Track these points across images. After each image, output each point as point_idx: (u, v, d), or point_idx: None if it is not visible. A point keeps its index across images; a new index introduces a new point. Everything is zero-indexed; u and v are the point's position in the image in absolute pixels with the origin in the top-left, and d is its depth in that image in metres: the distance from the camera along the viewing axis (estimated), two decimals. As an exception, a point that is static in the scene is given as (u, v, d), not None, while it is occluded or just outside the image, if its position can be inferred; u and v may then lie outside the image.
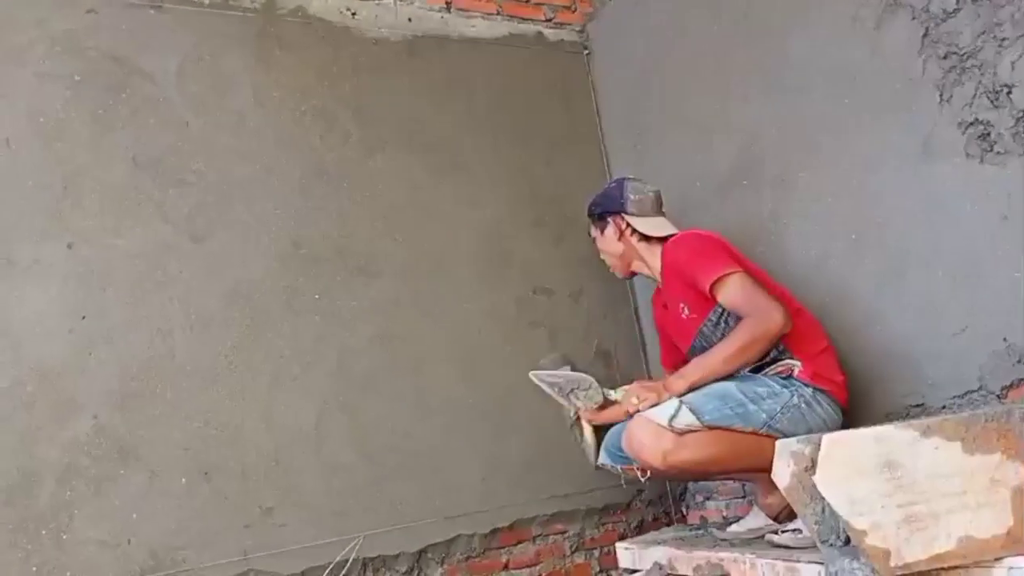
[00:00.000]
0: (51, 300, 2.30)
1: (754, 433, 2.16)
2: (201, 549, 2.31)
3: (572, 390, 2.31)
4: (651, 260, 2.54)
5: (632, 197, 2.54)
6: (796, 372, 2.23)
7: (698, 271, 2.28)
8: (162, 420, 2.35)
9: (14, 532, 2.12)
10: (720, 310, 2.30)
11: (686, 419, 2.12)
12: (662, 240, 2.49)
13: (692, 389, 2.20)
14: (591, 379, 2.34)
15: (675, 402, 2.16)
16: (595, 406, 2.39)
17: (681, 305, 2.42)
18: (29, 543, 2.13)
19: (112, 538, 2.22)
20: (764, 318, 2.16)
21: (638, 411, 2.20)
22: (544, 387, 2.34)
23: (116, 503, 2.25)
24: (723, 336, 2.29)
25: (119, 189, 2.45)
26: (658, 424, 2.13)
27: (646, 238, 2.52)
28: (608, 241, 2.62)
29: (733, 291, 2.22)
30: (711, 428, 2.14)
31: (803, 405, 2.19)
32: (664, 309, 2.57)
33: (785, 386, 2.21)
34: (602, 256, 2.71)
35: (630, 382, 2.43)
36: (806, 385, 2.21)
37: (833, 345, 2.32)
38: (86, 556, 2.18)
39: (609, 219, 2.58)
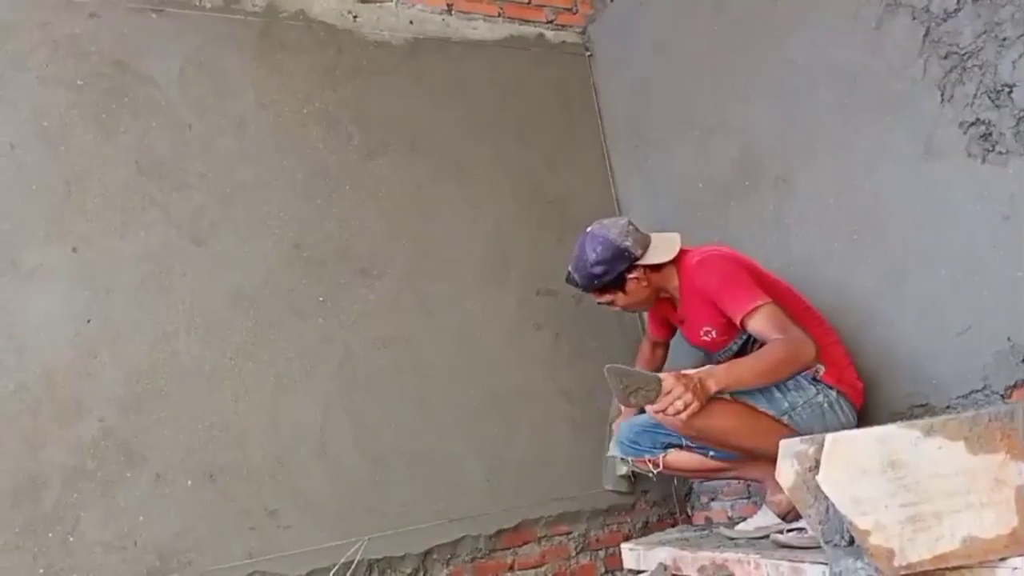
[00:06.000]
0: (56, 304, 2.31)
1: (773, 418, 2.20)
2: (207, 551, 2.32)
3: (637, 388, 2.18)
4: (669, 282, 2.47)
5: (628, 243, 2.41)
6: (821, 374, 2.25)
7: (729, 303, 2.24)
8: (167, 422, 2.36)
9: (21, 534, 2.13)
10: (747, 336, 2.29)
11: None
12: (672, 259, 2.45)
13: (720, 392, 2.11)
14: (658, 379, 2.17)
15: None
16: (647, 404, 2.23)
17: (706, 328, 2.39)
18: (36, 545, 2.14)
19: (118, 540, 2.23)
20: (801, 344, 2.12)
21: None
22: (615, 380, 2.17)
23: (122, 505, 2.26)
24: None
25: (122, 192, 2.46)
26: None
27: (659, 267, 2.45)
28: (633, 294, 2.48)
29: (764, 322, 2.17)
30: (735, 401, 2.15)
31: (825, 405, 2.23)
32: (682, 323, 2.54)
33: (812, 384, 2.24)
34: (625, 310, 2.62)
35: None
36: (830, 388, 2.25)
37: (850, 354, 2.34)
38: (93, 558, 2.19)
39: (627, 276, 2.44)
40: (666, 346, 2.87)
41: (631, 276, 2.44)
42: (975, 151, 2.09)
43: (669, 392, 2.02)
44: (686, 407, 2.00)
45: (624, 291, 2.48)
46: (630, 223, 2.47)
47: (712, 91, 2.90)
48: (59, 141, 2.41)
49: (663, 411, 2.03)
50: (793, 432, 2.10)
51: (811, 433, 1.77)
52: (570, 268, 2.53)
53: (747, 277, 2.27)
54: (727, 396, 2.14)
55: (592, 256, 2.43)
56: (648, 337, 2.88)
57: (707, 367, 2.13)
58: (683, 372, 2.08)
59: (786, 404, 2.22)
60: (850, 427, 2.22)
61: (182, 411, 2.38)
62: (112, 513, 2.24)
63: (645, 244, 2.44)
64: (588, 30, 3.51)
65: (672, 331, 2.77)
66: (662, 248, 2.45)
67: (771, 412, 2.21)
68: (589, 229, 2.49)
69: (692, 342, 2.51)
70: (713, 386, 2.07)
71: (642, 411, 2.23)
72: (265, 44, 2.80)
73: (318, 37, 2.91)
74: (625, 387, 2.11)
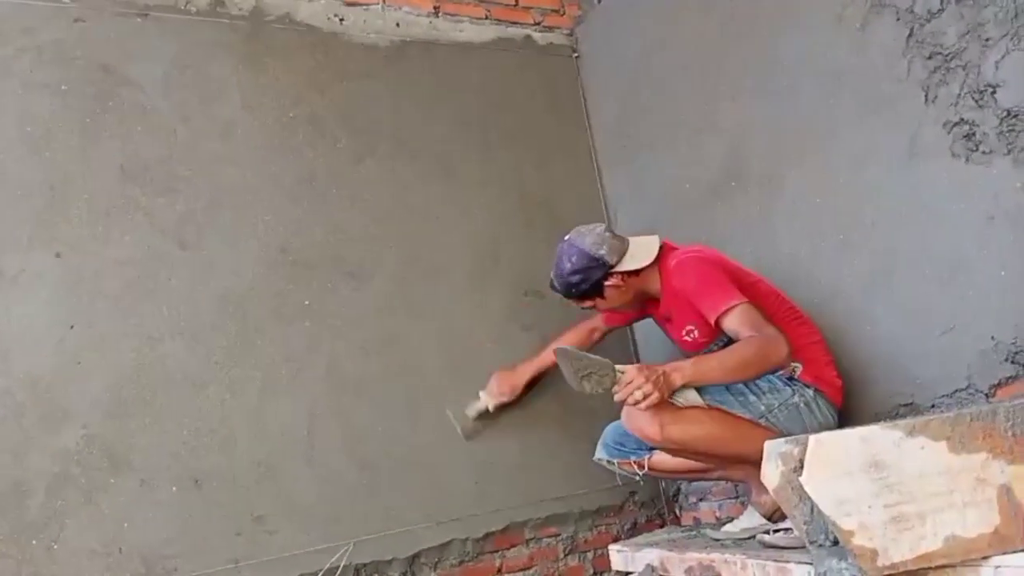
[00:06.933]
0: (40, 309, 2.30)
1: (751, 422, 2.19)
2: (192, 557, 2.31)
3: (589, 373, 2.16)
4: (651, 285, 2.46)
5: (603, 251, 2.39)
6: (798, 373, 2.25)
7: (704, 303, 2.24)
8: (152, 428, 2.35)
9: (5, 542, 2.12)
10: (727, 338, 2.27)
11: (689, 396, 2.13)
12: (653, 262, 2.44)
13: (686, 386, 2.14)
14: (612, 366, 2.16)
15: None
16: (602, 391, 2.24)
17: (689, 327, 2.39)
18: (20, 553, 2.13)
19: (103, 547, 2.22)
20: (773, 343, 2.12)
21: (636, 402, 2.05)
22: (566, 362, 2.16)
23: (107, 512, 2.25)
24: None
25: (107, 197, 2.45)
26: None
27: (638, 271, 2.43)
28: (613, 299, 2.48)
29: (739, 322, 2.16)
30: (711, 408, 2.16)
31: (802, 405, 2.22)
32: (667, 321, 2.52)
33: (788, 384, 2.24)
34: (608, 308, 2.61)
35: None
36: (807, 386, 2.24)
37: (831, 353, 2.34)
38: (77, 565, 2.18)
39: (604, 283, 2.43)
40: (604, 335, 2.84)
41: (609, 283, 2.43)
42: (959, 151, 2.09)
43: (630, 382, 2.02)
44: (645, 398, 2.00)
45: (603, 296, 2.47)
46: (607, 230, 2.46)
47: (699, 92, 2.90)
48: (43, 146, 2.40)
49: (623, 400, 2.04)
50: (773, 433, 2.10)
51: (791, 434, 1.77)
52: (552, 276, 2.54)
53: (723, 277, 2.26)
54: (703, 404, 2.14)
55: (567, 266, 2.43)
56: (596, 318, 2.80)
57: (674, 362, 2.12)
58: (648, 364, 2.08)
59: (762, 407, 2.21)
60: (830, 426, 2.23)
61: (167, 417, 2.37)
62: (97, 520, 2.23)
63: (621, 251, 2.41)
64: (575, 32, 3.51)
65: (623, 322, 2.80)
66: (640, 253, 2.43)
67: (748, 416, 2.20)
68: (567, 238, 2.48)
69: (677, 343, 2.50)
70: (679, 380, 2.07)
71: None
72: (251, 48, 2.79)
73: (304, 40, 2.90)
74: (576, 371, 2.10)
